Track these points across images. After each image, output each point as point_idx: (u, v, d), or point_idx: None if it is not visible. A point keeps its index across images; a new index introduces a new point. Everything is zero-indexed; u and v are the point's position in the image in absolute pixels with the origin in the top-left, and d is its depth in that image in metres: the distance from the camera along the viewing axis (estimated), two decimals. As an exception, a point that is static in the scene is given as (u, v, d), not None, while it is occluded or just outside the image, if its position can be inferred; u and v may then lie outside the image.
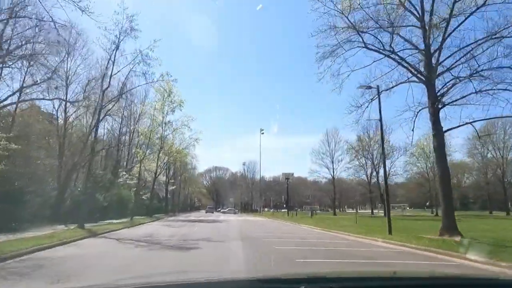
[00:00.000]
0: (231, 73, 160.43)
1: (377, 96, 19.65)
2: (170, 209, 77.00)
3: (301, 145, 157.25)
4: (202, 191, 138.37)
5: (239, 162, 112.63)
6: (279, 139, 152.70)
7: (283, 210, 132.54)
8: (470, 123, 17.22)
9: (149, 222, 32.00)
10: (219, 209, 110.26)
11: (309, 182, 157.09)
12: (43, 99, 25.14)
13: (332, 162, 62.82)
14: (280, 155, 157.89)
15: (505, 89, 15.78)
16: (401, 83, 19.27)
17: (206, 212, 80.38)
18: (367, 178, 64.79)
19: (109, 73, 20.89)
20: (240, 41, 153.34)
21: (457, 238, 14.83)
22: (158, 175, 44.12)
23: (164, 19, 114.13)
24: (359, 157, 54.03)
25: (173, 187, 59.77)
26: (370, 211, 66.05)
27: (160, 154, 41.85)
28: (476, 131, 21.09)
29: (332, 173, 62.54)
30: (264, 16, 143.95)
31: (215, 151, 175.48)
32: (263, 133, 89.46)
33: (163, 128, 41.16)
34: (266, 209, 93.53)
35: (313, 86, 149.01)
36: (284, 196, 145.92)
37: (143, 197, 55.97)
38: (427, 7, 17.29)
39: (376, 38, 18.50)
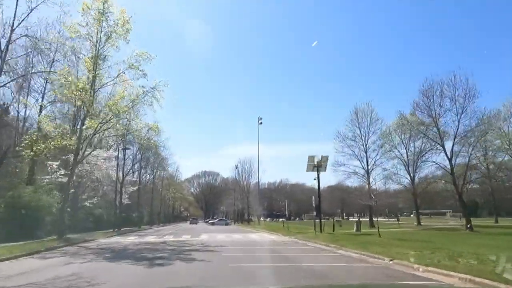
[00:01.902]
0: (224, 80, 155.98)
1: None
2: (146, 220, 57.22)
3: (295, 152, 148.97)
4: (188, 199, 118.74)
5: (231, 169, 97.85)
6: (272, 148, 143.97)
7: (281, 220, 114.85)
8: None
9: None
10: (207, 220, 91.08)
11: (306, 188, 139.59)
12: None
13: (366, 151, 44.13)
14: (272, 163, 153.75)
15: None
16: None
17: (190, 223, 73.44)
18: (410, 175, 46.18)
19: None
20: (235, 47, 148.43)
21: None
22: (81, 160, 24.79)
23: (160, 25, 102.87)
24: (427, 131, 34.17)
25: (134, 188, 40.00)
26: (416, 221, 47.02)
27: (87, 122, 22.52)
28: None
29: (365, 165, 43.70)
30: (259, 21, 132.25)
31: (206, 160, 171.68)
32: (261, 123, 71.84)
33: (96, 68, 21.98)
34: (262, 219, 75.28)
35: (310, 94, 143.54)
36: (282, 203, 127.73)
37: (87, 203, 36.75)
38: None
39: None
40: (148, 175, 56.96)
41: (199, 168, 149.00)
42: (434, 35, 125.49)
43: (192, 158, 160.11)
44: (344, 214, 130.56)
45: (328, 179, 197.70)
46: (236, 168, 76.60)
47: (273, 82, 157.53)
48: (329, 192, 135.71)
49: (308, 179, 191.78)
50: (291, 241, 21.10)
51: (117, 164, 33.93)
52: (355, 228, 26.79)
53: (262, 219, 77.02)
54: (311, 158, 25.21)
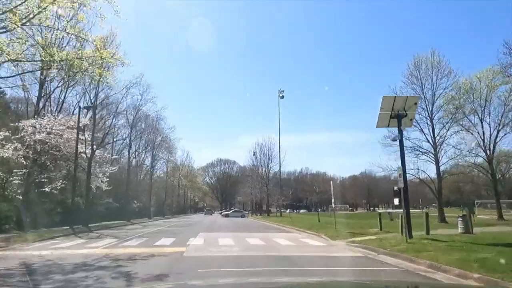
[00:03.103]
0: (238, 74, 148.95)
1: None
2: (154, 211, 47.22)
3: (315, 141, 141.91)
4: (203, 189, 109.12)
5: (248, 158, 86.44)
6: (291, 137, 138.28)
7: (302, 211, 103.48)
8: None
9: None
10: (222, 211, 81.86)
11: (327, 178, 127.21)
12: None
13: (431, 118, 31.77)
14: (292, 153, 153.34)
15: None
16: None
17: (204, 215, 75.12)
18: (487, 152, 33.65)
19: None
20: (239, 43, 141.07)
21: None
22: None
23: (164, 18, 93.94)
24: None
25: (114, 169, 29.30)
26: (497, 213, 34.36)
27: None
28: None
29: (431, 138, 31.52)
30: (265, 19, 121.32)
31: (223, 151, 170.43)
32: (282, 97, 61.63)
33: None
34: (282, 210, 65.25)
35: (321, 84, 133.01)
36: (303, 194, 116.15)
37: (47, 188, 26.57)
38: None
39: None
40: (145, 157, 46.67)
41: (215, 158, 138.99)
42: None
43: (208, 148, 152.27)
44: (369, 205, 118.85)
45: (351, 169, 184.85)
46: (254, 154, 65.45)
47: (289, 70, 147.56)
48: (351, 183, 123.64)
49: (330, 168, 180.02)
50: (367, 259, 9.76)
51: (78, 129, 23.10)
52: (461, 228, 15.09)
53: (282, 210, 66.85)
54: (388, 100, 13.47)
